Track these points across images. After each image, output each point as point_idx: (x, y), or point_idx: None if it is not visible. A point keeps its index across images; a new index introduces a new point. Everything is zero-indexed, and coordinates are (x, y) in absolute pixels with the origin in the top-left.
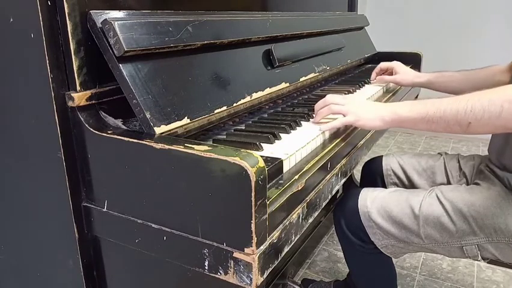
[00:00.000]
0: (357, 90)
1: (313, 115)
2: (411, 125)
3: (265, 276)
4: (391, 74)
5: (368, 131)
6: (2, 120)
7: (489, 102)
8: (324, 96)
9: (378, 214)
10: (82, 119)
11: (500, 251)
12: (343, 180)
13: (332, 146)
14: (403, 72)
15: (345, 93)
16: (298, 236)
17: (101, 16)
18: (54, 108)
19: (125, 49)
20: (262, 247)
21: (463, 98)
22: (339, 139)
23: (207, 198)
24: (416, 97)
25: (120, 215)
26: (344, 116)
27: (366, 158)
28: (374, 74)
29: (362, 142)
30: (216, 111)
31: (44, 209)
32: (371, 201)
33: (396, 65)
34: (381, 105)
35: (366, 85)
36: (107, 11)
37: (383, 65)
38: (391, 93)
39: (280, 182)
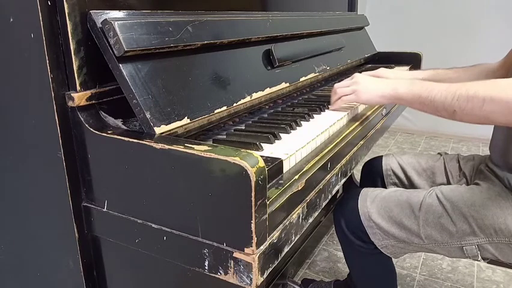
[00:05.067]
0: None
1: (314, 115)
2: (407, 104)
3: (265, 276)
4: None
5: (370, 130)
6: (2, 120)
7: (474, 94)
8: (324, 96)
9: (378, 214)
10: (82, 119)
11: (500, 251)
12: (343, 180)
13: (332, 146)
14: (392, 78)
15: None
16: (298, 236)
17: (101, 16)
18: (54, 108)
19: (125, 49)
20: (262, 247)
21: (454, 86)
22: (339, 139)
23: (207, 198)
24: None
25: (120, 215)
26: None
27: (366, 158)
28: None
29: (362, 142)
30: (216, 111)
31: (44, 208)
32: (371, 201)
33: (381, 72)
34: (384, 83)
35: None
36: (107, 11)
37: (366, 74)
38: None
39: (280, 182)
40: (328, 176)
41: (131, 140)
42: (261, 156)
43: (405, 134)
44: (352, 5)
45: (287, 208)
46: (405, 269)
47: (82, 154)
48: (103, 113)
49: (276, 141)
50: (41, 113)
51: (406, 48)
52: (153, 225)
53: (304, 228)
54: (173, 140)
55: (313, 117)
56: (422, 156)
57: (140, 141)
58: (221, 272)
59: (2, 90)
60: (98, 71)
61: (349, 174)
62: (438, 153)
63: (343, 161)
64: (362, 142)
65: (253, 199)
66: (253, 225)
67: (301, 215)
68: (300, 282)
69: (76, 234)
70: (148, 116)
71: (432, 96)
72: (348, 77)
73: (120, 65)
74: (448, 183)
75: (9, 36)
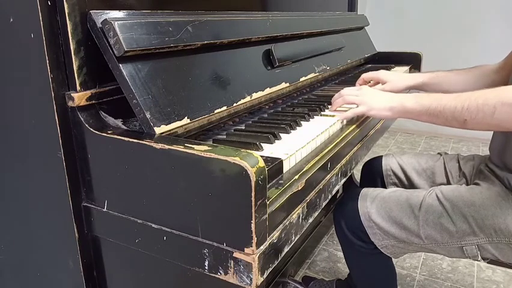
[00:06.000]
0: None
1: (314, 115)
2: (416, 117)
3: (265, 276)
4: (376, 84)
5: (370, 130)
6: (2, 120)
7: (484, 102)
8: (324, 96)
9: (378, 214)
10: (82, 119)
11: (500, 251)
12: (343, 180)
13: (332, 146)
14: (393, 80)
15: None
16: (298, 236)
17: (101, 16)
18: (54, 108)
19: (125, 49)
20: (262, 247)
21: (463, 95)
22: (339, 139)
23: (207, 198)
24: None
25: (120, 215)
26: (357, 106)
27: (366, 158)
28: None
29: (361, 142)
30: (216, 111)
31: (44, 209)
32: (371, 202)
33: (382, 74)
34: (391, 96)
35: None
36: (107, 11)
37: (366, 76)
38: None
39: (280, 182)
40: (328, 176)
41: (131, 140)
42: (261, 156)
43: (405, 134)
44: (352, 5)
45: (287, 208)
46: (405, 269)
47: (82, 154)
48: (103, 113)
49: (276, 141)
50: (41, 113)
51: (406, 48)
52: (153, 225)
53: (304, 228)
54: (173, 140)
55: (313, 117)
56: (422, 156)
57: (140, 141)
58: (221, 272)
59: (2, 90)
60: (98, 71)
61: (349, 174)
62: (438, 153)
63: (343, 161)
64: (361, 142)
65: (253, 199)
66: (253, 225)
67: (301, 215)
68: (300, 280)
69: (76, 234)
70: (148, 116)
71: (441, 107)
72: (348, 77)
73: (120, 65)
74: (448, 183)
75: (9, 36)
